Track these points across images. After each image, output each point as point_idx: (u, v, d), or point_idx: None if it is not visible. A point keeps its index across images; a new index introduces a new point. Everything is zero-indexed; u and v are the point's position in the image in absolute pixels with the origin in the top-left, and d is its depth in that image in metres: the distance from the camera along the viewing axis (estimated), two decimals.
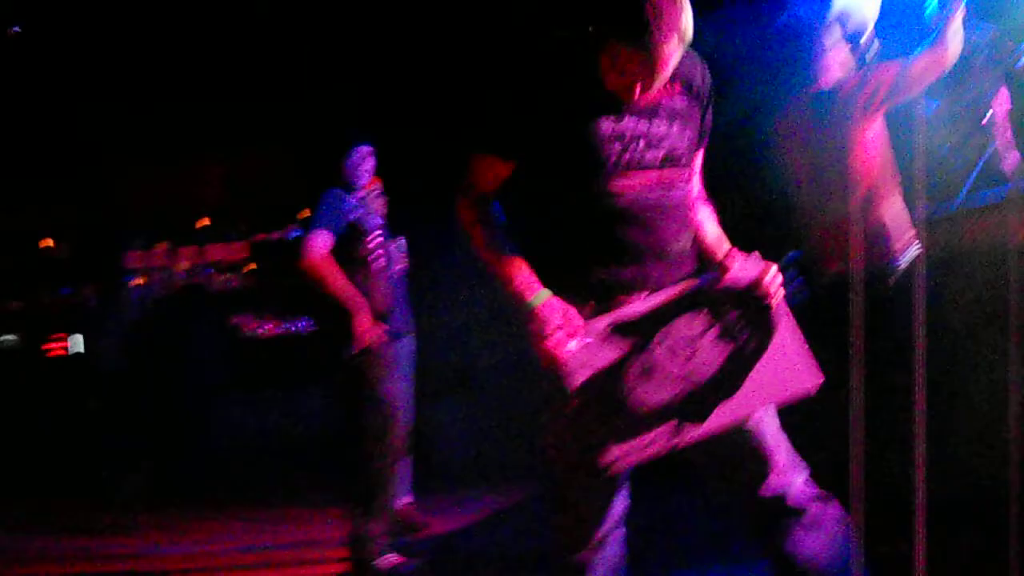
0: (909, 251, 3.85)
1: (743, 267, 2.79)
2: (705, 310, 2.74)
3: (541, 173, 2.85)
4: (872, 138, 3.89)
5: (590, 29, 2.71)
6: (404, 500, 5.73)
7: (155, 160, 9.54)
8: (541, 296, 2.72)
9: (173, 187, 9.73)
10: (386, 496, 5.15)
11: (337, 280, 5.06)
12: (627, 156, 2.79)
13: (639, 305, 2.74)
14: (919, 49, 3.90)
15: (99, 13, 7.87)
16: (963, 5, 3.98)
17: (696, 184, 3.01)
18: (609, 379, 2.66)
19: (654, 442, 2.65)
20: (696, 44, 2.70)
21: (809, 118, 4.02)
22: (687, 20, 2.62)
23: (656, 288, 2.78)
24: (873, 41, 4.29)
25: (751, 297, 2.76)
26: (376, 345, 5.10)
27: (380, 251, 5.31)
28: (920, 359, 3.04)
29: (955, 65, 5.73)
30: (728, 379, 2.71)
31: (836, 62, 4.05)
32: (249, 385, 8.68)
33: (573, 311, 2.69)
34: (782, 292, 2.78)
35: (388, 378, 5.18)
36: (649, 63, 2.61)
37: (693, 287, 2.78)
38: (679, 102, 2.85)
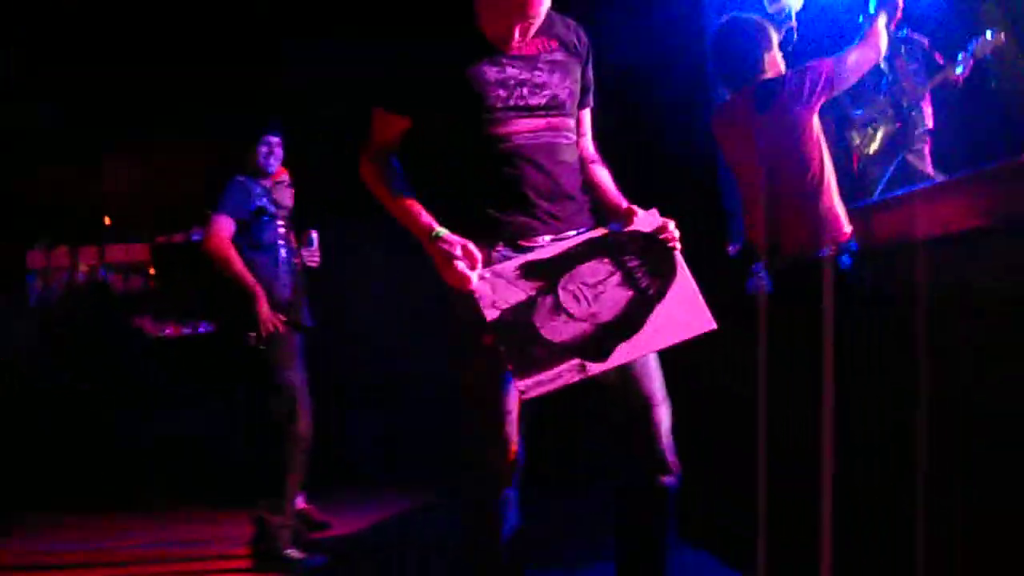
0: (848, 243, 4.03)
1: (644, 218, 3.00)
2: (608, 257, 2.94)
3: (436, 123, 3.06)
4: (813, 130, 4.10)
5: None
6: (302, 499, 5.75)
7: (58, 159, 9.42)
8: (441, 231, 2.91)
9: (75, 187, 9.60)
10: (291, 489, 5.19)
11: (238, 265, 5.12)
12: (511, 101, 3.00)
13: (546, 250, 2.95)
14: (851, 44, 4.16)
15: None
16: (887, 8, 4.28)
17: (588, 143, 3.27)
18: (518, 317, 2.85)
19: (560, 375, 2.81)
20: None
21: (752, 111, 4.20)
22: None
23: (553, 231, 3.01)
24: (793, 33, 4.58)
25: (652, 245, 2.97)
26: (277, 335, 5.15)
27: (283, 240, 5.37)
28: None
29: (885, 73, 6.06)
30: (629, 320, 2.89)
31: (775, 59, 4.26)
32: (151, 387, 8.62)
33: (472, 244, 2.87)
34: (678, 242, 2.99)
35: (290, 367, 5.23)
36: (522, 3, 2.87)
37: (597, 235, 2.98)
38: (558, 55, 3.08)
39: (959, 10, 7.13)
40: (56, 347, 8.81)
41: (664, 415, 3.10)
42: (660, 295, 2.93)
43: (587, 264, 2.93)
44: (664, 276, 2.95)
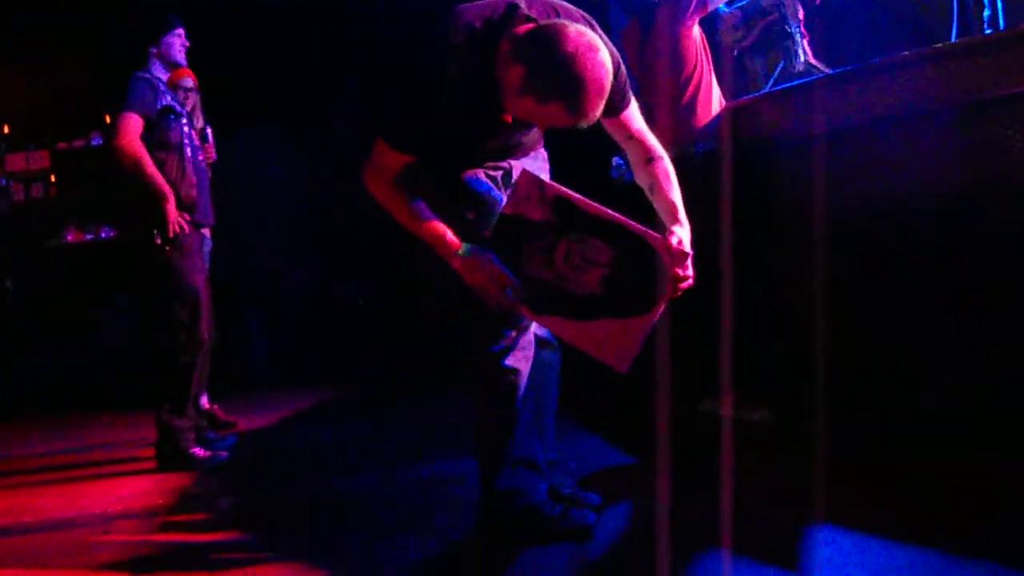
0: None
1: (675, 249, 2.97)
2: (618, 252, 2.98)
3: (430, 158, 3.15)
4: (690, 42, 4.46)
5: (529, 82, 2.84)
6: (206, 399, 5.86)
7: None
8: (466, 248, 3.05)
9: None
10: (193, 389, 5.27)
11: (149, 165, 5.12)
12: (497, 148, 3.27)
13: (590, 204, 3.00)
14: None
15: None
16: None
17: (645, 137, 3.25)
18: (520, 230, 3.01)
19: (502, 292, 3.01)
20: None
21: (640, 31, 4.71)
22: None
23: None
24: None
25: (659, 274, 2.97)
26: (182, 235, 5.20)
27: (188, 140, 5.38)
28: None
29: None
30: (579, 308, 3.00)
31: None
32: (55, 295, 8.60)
33: (494, 260, 3.03)
34: (681, 286, 3.00)
35: (194, 269, 5.28)
36: (575, 125, 2.85)
37: (632, 230, 2.97)
38: None
39: None
40: None
41: None
42: (618, 313, 2.98)
43: (600, 242, 2.98)
44: (638, 304, 2.99)
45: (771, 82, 5.55)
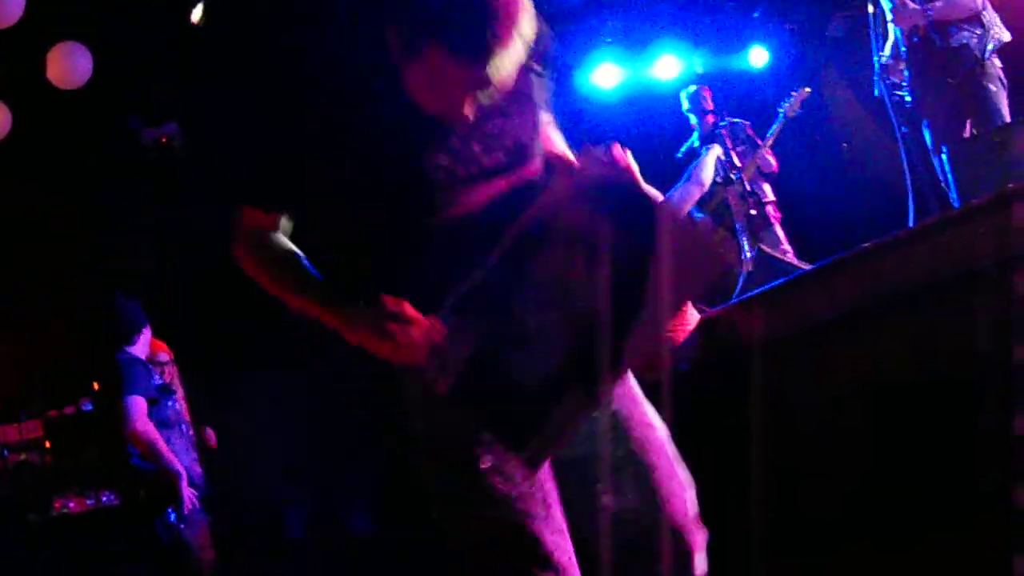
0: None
1: (592, 160, 2.17)
2: (555, 236, 2.12)
3: (343, 211, 2.15)
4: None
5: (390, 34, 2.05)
6: None
7: None
8: (360, 305, 2.08)
9: None
10: None
11: (164, 448, 5.20)
12: (459, 169, 2.10)
13: (479, 272, 2.09)
14: (678, 184, 4.65)
15: None
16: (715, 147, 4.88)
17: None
18: (479, 368, 2.03)
19: (565, 423, 2.03)
20: None
21: None
22: (528, 14, 2.00)
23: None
24: None
25: (616, 193, 2.13)
26: (194, 511, 5.26)
27: (184, 416, 5.48)
28: None
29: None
30: (628, 290, 2.11)
31: None
32: (60, 564, 8.56)
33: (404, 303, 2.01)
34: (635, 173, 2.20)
35: (204, 545, 5.33)
36: (485, 78, 1.95)
37: (534, 212, 2.13)
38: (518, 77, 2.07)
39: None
40: None
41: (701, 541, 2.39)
42: (644, 249, 2.10)
43: (538, 258, 2.10)
44: (643, 223, 2.12)
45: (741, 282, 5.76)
